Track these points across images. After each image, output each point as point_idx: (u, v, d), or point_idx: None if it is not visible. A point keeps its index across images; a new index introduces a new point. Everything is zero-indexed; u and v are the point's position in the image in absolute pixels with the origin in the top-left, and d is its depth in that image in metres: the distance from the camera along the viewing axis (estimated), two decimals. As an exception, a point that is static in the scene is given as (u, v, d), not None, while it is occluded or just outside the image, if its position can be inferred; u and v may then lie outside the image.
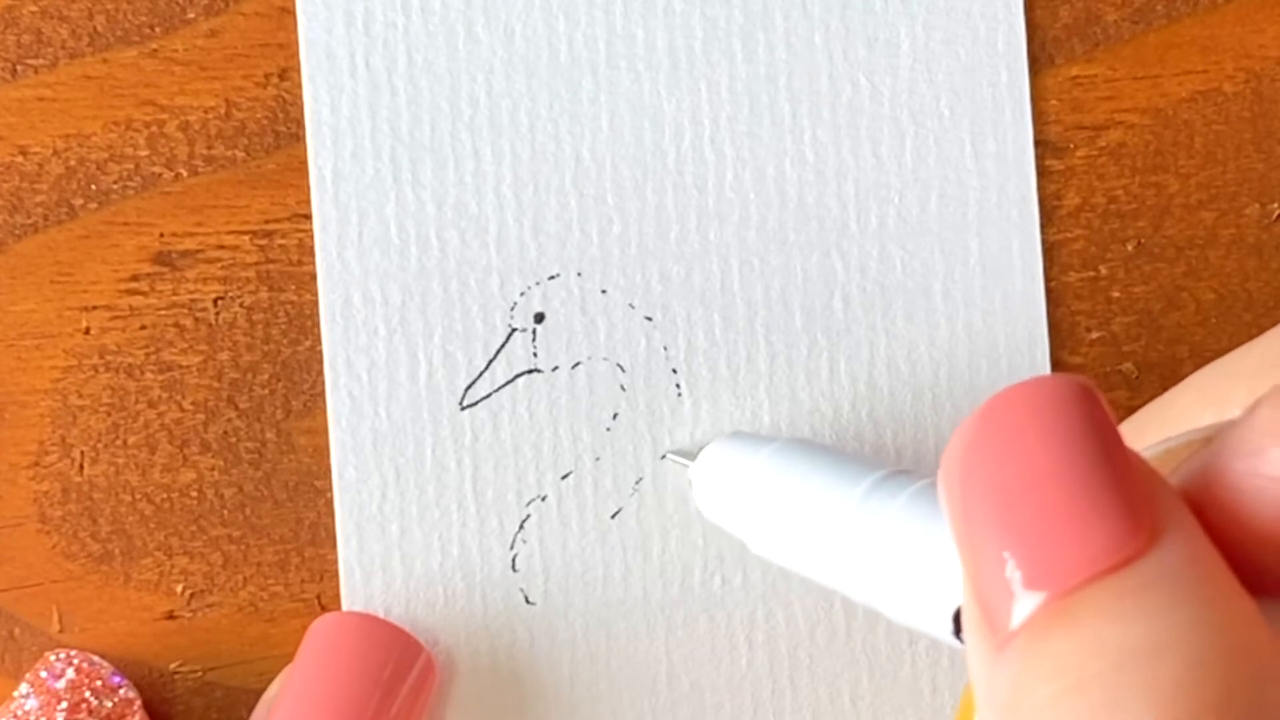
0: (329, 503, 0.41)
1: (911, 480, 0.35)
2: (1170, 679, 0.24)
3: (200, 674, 0.41)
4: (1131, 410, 0.43)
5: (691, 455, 0.41)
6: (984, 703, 0.26)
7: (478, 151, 0.41)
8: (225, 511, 0.41)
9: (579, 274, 0.42)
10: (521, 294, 0.41)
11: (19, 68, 0.41)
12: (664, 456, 0.41)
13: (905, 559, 0.34)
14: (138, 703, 0.40)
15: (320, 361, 0.41)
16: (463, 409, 0.41)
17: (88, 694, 0.40)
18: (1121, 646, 0.24)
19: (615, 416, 0.42)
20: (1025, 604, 0.25)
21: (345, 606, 0.41)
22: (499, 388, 0.41)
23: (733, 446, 0.40)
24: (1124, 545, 0.25)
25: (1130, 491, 0.25)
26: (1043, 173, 0.43)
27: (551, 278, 0.42)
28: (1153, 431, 0.33)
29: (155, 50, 0.41)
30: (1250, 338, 0.43)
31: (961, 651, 0.42)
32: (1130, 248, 0.43)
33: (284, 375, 0.41)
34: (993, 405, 0.26)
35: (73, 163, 0.41)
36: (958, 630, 0.33)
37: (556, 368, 0.41)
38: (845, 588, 0.36)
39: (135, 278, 0.41)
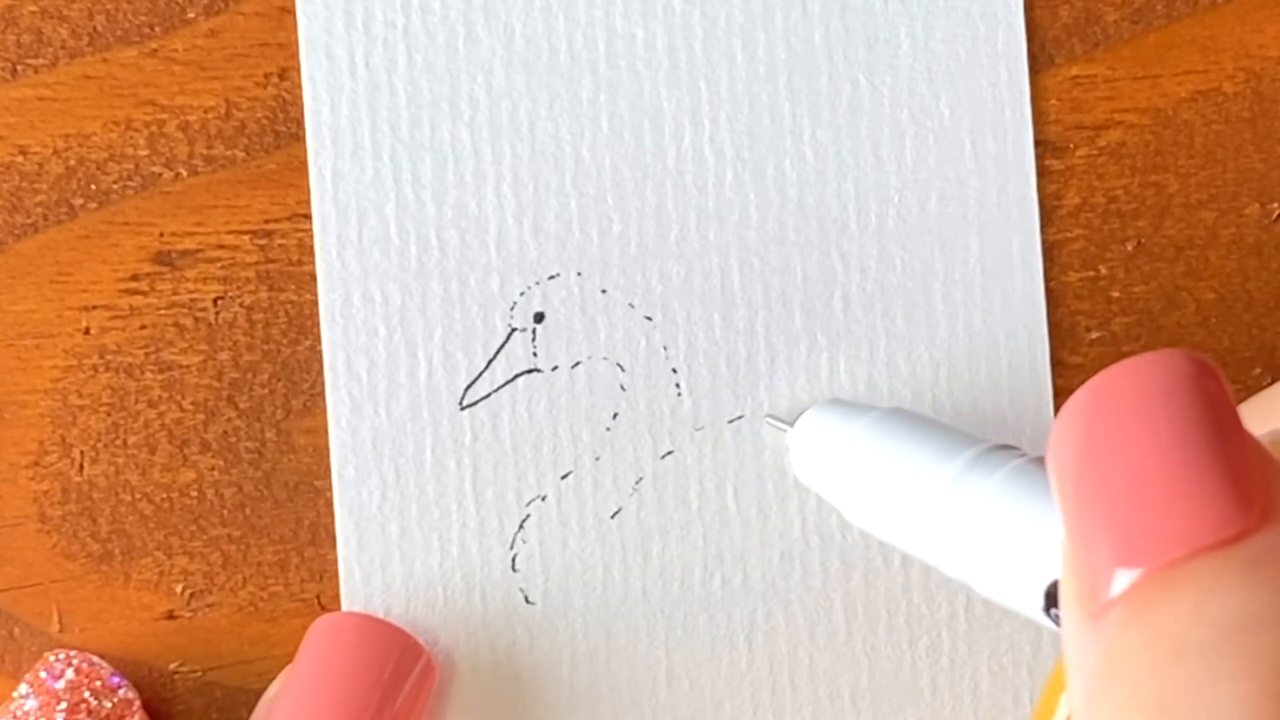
0: (329, 503, 0.41)
1: (1009, 456, 0.36)
2: (1271, 653, 0.23)
3: (200, 674, 0.41)
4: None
5: (790, 420, 0.41)
6: (1075, 672, 0.26)
7: (478, 151, 0.41)
8: (225, 511, 0.41)
9: (579, 274, 0.42)
10: (521, 294, 0.41)
11: (19, 68, 0.41)
12: (766, 418, 0.42)
13: (999, 535, 0.34)
14: (137, 703, 0.40)
15: (320, 361, 0.41)
16: (463, 409, 0.41)
17: (87, 694, 0.40)
18: (1223, 618, 0.24)
19: (615, 416, 0.42)
20: (1127, 574, 0.25)
21: (345, 606, 0.41)
22: (499, 387, 0.41)
23: (831, 414, 0.40)
24: (1232, 522, 0.25)
25: (1243, 470, 0.25)
26: (1043, 173, 0.43)
27: (551, 278, 0.42)
28: (1258, 423, 0.32)
29: (155, 50, 0.41)
30: (1250, 338, 0.43)
31: (960, 659, 0.42)
32: (1130, 248, 0.43)
33: (284, 375, 0.41)
34: (1107, 378, 0.26)
35: (73, 163, 0.41)
36: (1048, 608, 0.33)
37: (556, 367, 0.41)
38: (937, 561, 0.36)
39: (135, 277, 0.41)
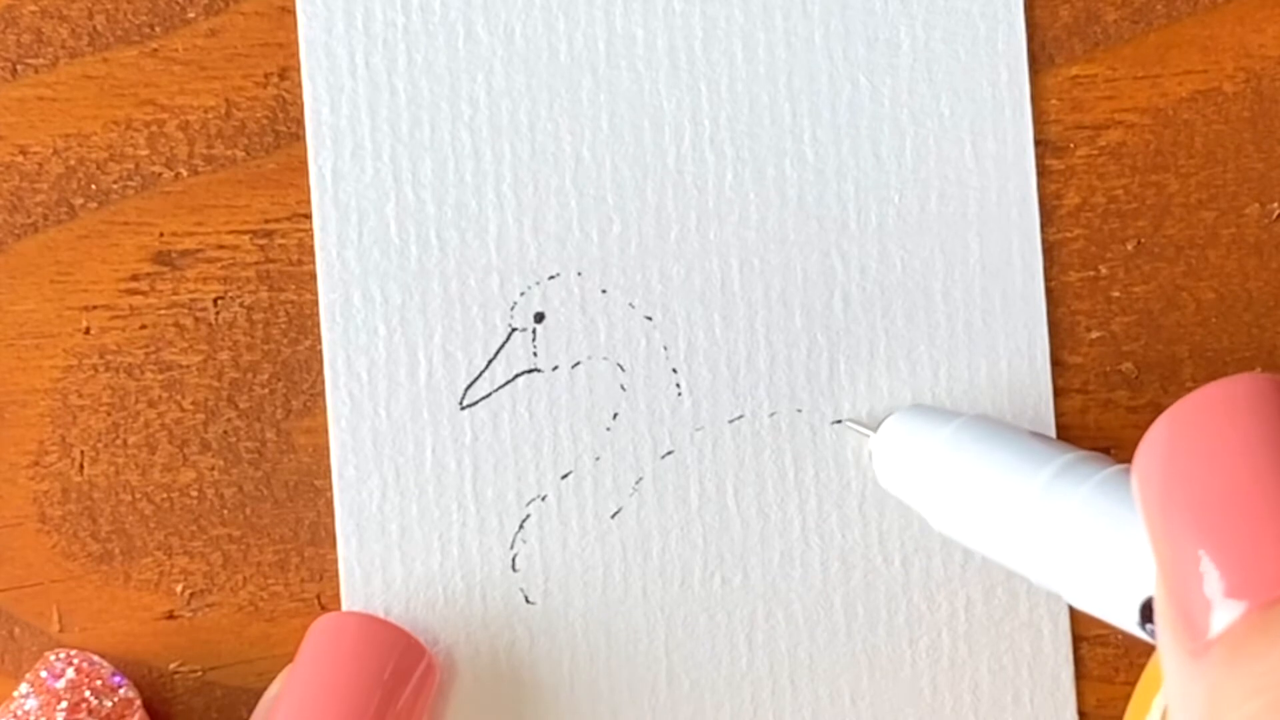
0: (329, 503, 0.41)
1: (1098, 466, 0.35)
2: None
3: (200, 674, 0.41)
4: (1133, 410, 0.43)
5: (872, 425, 0.41)
6: (1179, 704, 0.25)
7: (478, 151, 0.41)
8: (225, 511, 0.41)
9: (579, 274, 0.42)
10: (521, 294, 0.41)
11: (19, 68, 0.41)
12: (840, 422, 0.41)
13: (1091, 547, 0.33)
14: (138, 703, 0.40)
15: (320, 361, 0.41)
16: (463, 409, 0.41)
17: (88, 694, 0.40)
18: None
19: (615, 416, 0.42)
20: (1224, 612, 0.24)
21: (345, 606, 0.41)
22: (499, 387, 0.41)
23: (915, 420, 0.40)
24: None
25: None
26: (1043, 173, 0.43)
27: (551, 278, 0.42)
28: None
29: (155, 50, 0.41)
30: (1250, 338, 0.43)
31: (960, 659, 0.42)
32: (1130, 247, 0.43)
33: (284, 375, 0.41)
34: (1191, 403, 0.25)
35: (73, 162, 0.41)
36: (1143, 621, 0.32)
37: (556, 367, 0.41)
38: (1027, 571, 0.36)
39: (135, 277, 0.41)
